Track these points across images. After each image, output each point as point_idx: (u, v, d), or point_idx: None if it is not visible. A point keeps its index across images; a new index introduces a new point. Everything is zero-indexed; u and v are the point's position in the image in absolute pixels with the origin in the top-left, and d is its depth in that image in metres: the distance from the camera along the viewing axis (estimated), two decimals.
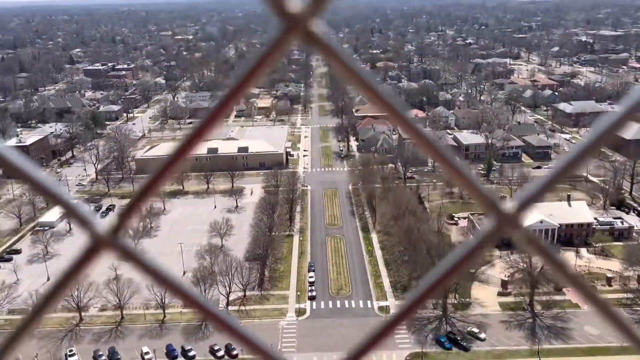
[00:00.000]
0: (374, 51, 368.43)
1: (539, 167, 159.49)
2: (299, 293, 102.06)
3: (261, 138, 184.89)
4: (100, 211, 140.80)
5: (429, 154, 1.99)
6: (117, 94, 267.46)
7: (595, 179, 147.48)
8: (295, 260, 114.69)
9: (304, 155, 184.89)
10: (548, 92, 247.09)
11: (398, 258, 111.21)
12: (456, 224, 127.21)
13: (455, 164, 1.99)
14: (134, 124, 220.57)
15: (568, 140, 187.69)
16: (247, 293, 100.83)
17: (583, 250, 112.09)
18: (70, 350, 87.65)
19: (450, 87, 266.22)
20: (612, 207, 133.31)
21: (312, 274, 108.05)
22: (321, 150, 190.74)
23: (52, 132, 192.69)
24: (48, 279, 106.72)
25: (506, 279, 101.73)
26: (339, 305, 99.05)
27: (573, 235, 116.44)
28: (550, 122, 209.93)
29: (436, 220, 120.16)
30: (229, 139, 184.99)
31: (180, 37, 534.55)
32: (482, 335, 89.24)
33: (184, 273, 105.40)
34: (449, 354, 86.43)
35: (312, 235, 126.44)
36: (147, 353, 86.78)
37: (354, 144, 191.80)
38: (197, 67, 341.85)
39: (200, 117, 1.96)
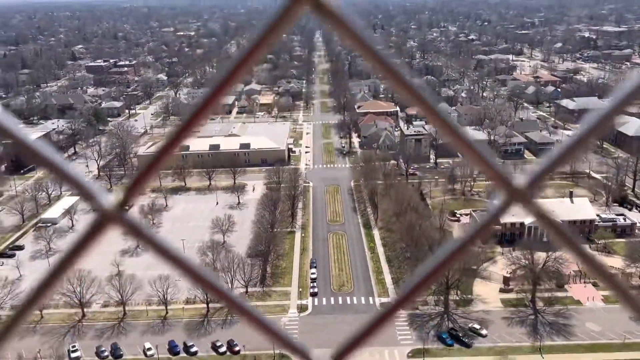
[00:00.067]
0: None
1: None
2: (300, 289, 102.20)
3: (263, 134, 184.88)
4: None
5: (435, 126, 1.97)
6: (119, 91, 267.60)
7: (597, 176, 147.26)
8: (297, 256, 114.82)
9: (305, 152, 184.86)
10: (551, 88, 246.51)
11: (400, 255, 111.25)
12: (458, 220, 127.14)
13: (465, 136, 1.99)
14: (136, 121, 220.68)
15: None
16: (249, 289, 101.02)
17: (585, 247, 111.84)
18: (73, 346, 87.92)
19: (453, 83, 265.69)
20: (615, 204, 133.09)
21: (314, 270, 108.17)
22: (323, 147, 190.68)
23: (54, 129, 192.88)
24: None
25: (508, 275, 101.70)
26: (340, 302, 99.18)
27: (575, 232, 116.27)
28: (552, 119, 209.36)
29: (438, 217, 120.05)
30: (231, 135, 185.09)
31: (182, 33, 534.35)
32: (484, 332, 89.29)
33: None
34: (450, 350, 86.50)
35: (314, 231, 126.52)
36: (149, 349, 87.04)
37: (355, 140, 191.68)
38: (199, 63, 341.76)
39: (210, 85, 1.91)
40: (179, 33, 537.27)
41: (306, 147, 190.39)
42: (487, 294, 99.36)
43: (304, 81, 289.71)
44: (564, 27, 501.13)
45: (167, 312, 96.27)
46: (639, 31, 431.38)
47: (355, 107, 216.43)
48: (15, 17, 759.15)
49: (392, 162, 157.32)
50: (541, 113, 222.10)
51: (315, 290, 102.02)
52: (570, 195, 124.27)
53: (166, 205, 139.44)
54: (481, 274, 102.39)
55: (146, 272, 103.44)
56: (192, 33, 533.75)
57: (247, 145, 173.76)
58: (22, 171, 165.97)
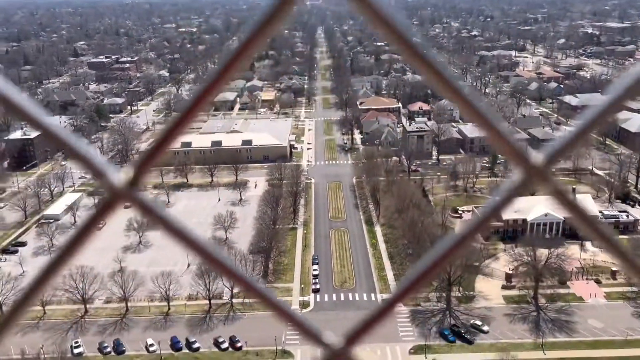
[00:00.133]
0: (379, 43, 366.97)
1: None
2: (302, 286, 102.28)
3: (265, 131, 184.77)
4: None
5: (453, 101, 1.95)
6: (121, 87, 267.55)
7: (600, 172, 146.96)
8: (299, 253, 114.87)
9: (307, 148, 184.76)
10: (553, 84, 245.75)
11: (402, 251, 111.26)
12: (460, 217, 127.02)
13: (482, 111, 1.98)
14: (138, 117, 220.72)
15: None
16: None
17: (588, 244, 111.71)
18: (76, 342, 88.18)
19: None
20: (618, 201, 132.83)
21: (316, 266, 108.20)
22: (325, 143, 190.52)
23: None
24: None
25: (510, 272, 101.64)
26: (342, 298, 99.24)
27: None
28: (555, 115, 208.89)
29: (440, 214, 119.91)
30: (233, 131, 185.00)
31: (184, 29, 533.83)
32: (486, 328, 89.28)
33: (188, 266, 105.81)
34: (452, 346, 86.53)
35: (316, 228, 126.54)
36: (151, 345, 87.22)
37: (358, 137, 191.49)
38: (201, 59, 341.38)
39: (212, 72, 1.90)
40: (181, 29, 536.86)
41: (308, 143, 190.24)
42: (490, 290, 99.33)
43: (306, 77, 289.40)
44: (566, 23, 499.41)
45: (169, 308, 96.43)
46: None
47: (358, 103, 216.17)
48: (18, 13, 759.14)
49: (394, 158, 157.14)
50: (544, 109, 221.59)
51: (318, 286, 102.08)
52: (573, 191, 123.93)
53: (168, 202, 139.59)
54: (483, 270, 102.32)
55: (148, 269, 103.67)
56: (194, 29, 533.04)
57: (249, 142, 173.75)
58: (24, 167, 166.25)
